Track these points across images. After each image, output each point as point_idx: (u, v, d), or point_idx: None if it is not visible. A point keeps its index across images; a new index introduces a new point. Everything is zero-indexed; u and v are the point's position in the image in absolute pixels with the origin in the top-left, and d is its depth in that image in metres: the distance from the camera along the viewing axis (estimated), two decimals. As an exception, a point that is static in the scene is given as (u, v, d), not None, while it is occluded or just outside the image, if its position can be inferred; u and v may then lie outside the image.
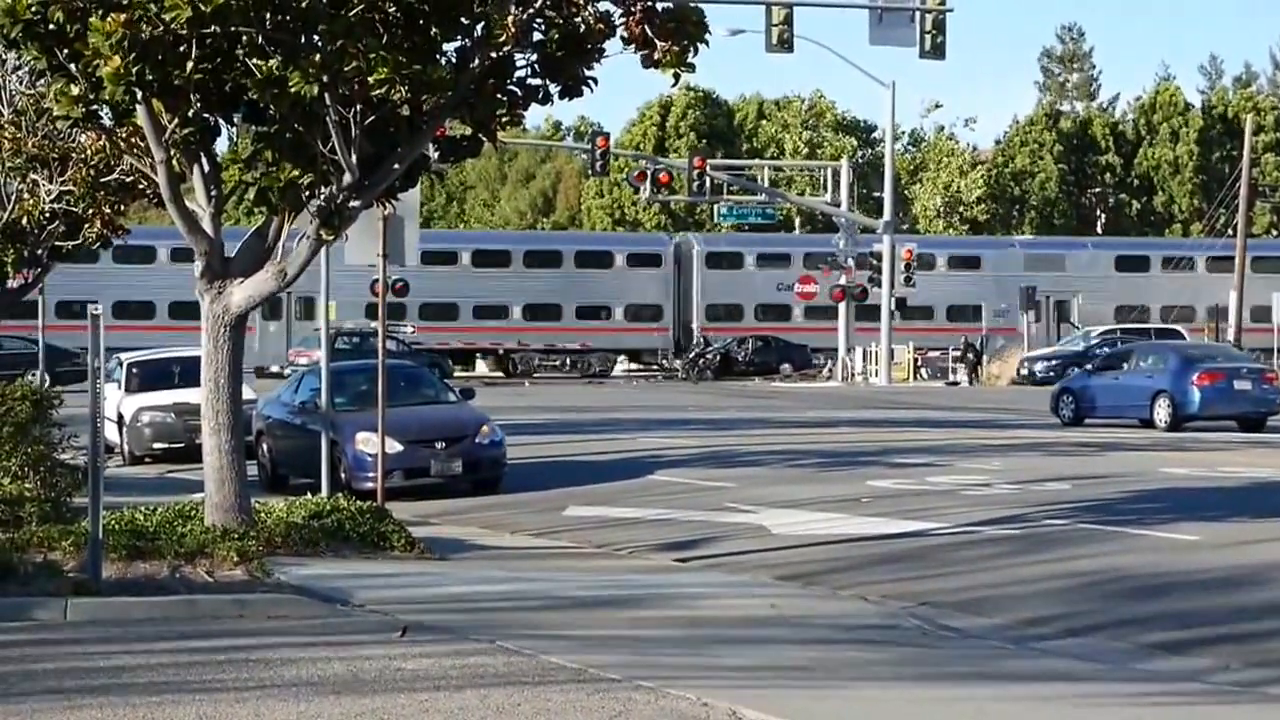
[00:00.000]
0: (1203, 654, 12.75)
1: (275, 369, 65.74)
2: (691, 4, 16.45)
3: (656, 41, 16.02)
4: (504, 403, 41.70)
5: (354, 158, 16.02)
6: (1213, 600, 14.84)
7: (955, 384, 66.64)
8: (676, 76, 16.33)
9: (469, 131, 17.26)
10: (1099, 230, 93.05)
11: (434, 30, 15.98)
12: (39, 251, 24.75)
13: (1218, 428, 37.49)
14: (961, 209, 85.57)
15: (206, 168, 17.13)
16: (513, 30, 15.51)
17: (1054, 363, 62.66)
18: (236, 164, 16.74)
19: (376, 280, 25.49)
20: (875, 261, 67.79)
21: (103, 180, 22.31)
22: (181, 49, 15.14)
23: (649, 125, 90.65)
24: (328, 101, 15.41)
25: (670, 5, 16.29)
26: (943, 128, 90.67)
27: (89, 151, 21.98)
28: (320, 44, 15.31)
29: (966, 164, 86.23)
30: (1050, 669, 12.38)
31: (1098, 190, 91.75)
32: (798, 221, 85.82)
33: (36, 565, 14.82)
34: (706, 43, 16.26)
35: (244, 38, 15.18)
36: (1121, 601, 14.92)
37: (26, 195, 23.38)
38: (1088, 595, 15.26)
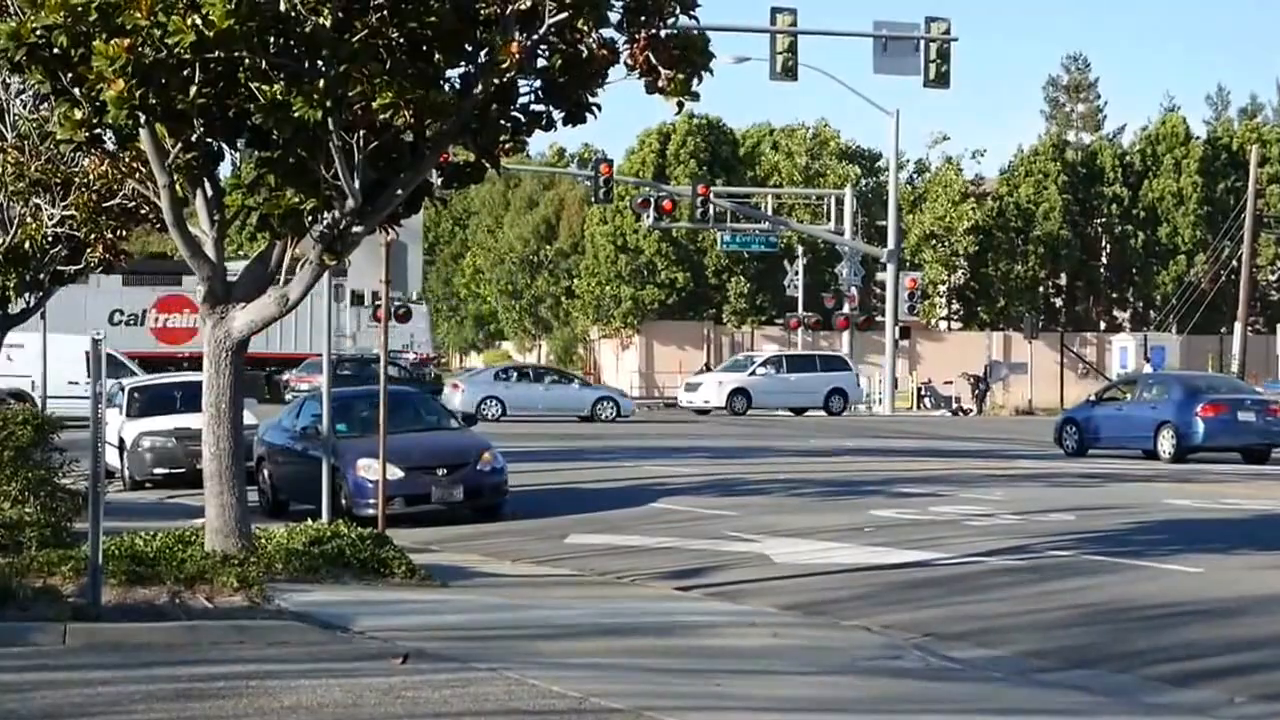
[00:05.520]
0: (1208, 686, 12.66)
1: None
2: (696, 31, 16.44)
3: (661, 69, 16.01)
4: (505, 429, 41.62)
5: (357, 183, 16.00)
6: (1218, 632, 14.76)
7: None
8: (681, 104, 16.32)
9: (472, 157, 17.25)
10: (1103, 261, 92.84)
11: (438, 56, 15.98)
12: (40, 275, 24.72)
13: (1222, 459, 37.43)
14: (952, 239, 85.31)
15: (209, 192, 17.12)
16: (516, 56, 15.49)
17: None
18: (239, 189, 16.72)
19: None
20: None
21: (105, 205, 22.28)
22: (185, 73, 15.12)
23: (649, 152, 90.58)
24: (331, 127, 15.39)
25: (674, 32, 16.28)
26: (950, 158, 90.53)
27: (92, 176, 21.94)
28: (324, 69, 15.29)
29: (957, 195, 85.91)
30: (1055, 701, 12.30)
31: (1103, 221, 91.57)
32: (800, 250, 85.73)
33: (36, 590, 14.77)
34: (711, 70, 16.26)
35: (247, 62, 15.15)
36: (1126, 633, 14.83)
37: (29, 219, 23.35)
38: (1092, 627, 15.18)
